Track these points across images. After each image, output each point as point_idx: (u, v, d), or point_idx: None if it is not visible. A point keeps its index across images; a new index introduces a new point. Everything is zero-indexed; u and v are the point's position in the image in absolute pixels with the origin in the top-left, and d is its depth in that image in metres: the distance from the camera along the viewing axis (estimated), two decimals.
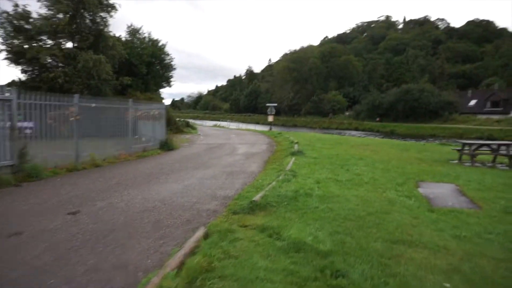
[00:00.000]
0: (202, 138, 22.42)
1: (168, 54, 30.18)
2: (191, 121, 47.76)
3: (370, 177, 8.30)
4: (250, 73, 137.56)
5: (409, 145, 18.24)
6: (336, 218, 4.85)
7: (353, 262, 3.44)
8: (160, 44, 29.80)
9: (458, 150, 12.17)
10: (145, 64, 27.67)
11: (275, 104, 35.38)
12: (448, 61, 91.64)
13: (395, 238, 4.15)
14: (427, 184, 7.89)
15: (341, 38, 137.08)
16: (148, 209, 5.54)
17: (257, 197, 5.73)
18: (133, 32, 29.52)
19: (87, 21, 22.74)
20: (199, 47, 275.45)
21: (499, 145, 11.75)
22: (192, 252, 3.62)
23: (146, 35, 29.81)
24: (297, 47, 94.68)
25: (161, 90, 32.61)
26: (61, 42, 22.22)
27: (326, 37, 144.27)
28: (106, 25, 23.43)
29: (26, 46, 20.79)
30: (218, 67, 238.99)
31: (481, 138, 41.55)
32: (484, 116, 53.82)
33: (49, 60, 21.54)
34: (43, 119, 9.13)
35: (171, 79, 31.01)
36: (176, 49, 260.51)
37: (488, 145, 11.94)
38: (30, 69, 21.72)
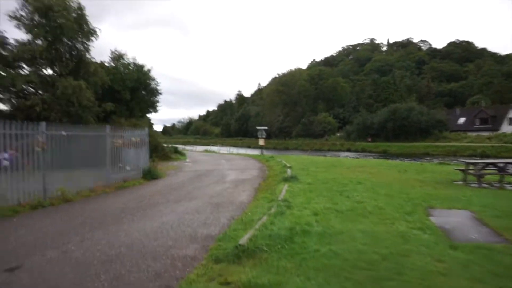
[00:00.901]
0: (190, 164, 21.38)
1: (153, 79, 29.41)
2: (180, 147, 46.78)
3: (374, 205, 7.35)
4: (240, 97, 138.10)
5: (406, 165, 17.46)
6: (344, 266, 3.86)
7: None
8: (145, 68, 29.07)
9: (462, 170, 11.35)
10: (128, 89, 26.80)
11: (266, 127, 34.64)
12: (433, 80, 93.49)
13: None
14: (438, 212, 6.95)
15: (328, 61, 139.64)
16: (110, 259, 4.47)
17: (244, 239, 4.71)
18: (117, 57, 28.82)
19: (67, 47, 21.99)
20: (189, 72, 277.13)
21: (506, 163, 10.97)
22: None
23: (130, 60, 29.15)
24: (286, 71, 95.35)
25: (151, 116, 31.74)
26: (39, 69, 21.32)
27: (314, 60, 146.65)
28: (87, 50, 22.67)
29: (1, 73, 19.82)
30: (208, 92, 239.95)
31: (474, 156, 41.30)
32: (474, 134, 53.91)
33: (26, 88, 20.58)
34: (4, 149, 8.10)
35: (157, 104, 30.15)
36: (166, 75, 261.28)
37: (494, 164, 11.15)
38: (6, 97, 20.67)
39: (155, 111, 30.68)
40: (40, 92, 21.11)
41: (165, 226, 6.03)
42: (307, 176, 12.67)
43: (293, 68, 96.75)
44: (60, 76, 21.39)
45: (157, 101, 30.22)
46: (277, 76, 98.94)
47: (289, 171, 14.04)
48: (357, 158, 30.62)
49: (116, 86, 26.16)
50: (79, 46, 22.29)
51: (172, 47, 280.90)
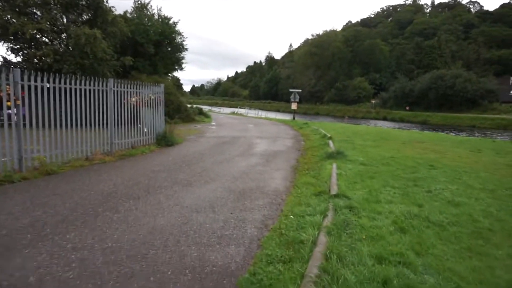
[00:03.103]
0: (214, 128, 19.11)
1: (179, 33, 26.73)
2: (206, 108, 44.65)
3: (483, 212, 4.75)
4: (270, 59, 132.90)
5: (474, 142, 14.33)
6: None
7: None
8: (171, 21, 26.37)
9: None
10: (152, 43, 24.36)
11: (299, 90, 31.50)
12: (481, 46, 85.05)
13: None
14: None
15: (365, 23, 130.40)
16: None
17: None
18: (140, 7, 26.21)
19: None
20: (220, 33, 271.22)
21: None
22: None
23: (155, 11, 26.50)
24: (320, 32, 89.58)
25: (178, 75, 29.45)
26: (52, 16, 19.12)
27: (349, 22, 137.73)
28: None
29: (11, 20, 17.80)
30: (238, 53, 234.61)
31: None
32: None
33: (38, 37, 18.55)
34: None
35: (183, 61, 27.65)
36: (197, 36, 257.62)
37: None
38: (17, 47, 18.81)
39: (181, 68, 28.28)
40: (53, 41, 19.15)
41: (151, 241, 3.64)
42: (356, 152, 10.06)
43: (327, 29, 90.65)
44: (74, 24, 19.22)
45: (183, 58, 27.73)
46: (310, 37, 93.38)
47: (331, 144, 11.46)
48: (400, 129, 27.35)
49: (138, 38, 23.80)
50: None
51: (202, 7, 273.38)
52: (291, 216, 4.46)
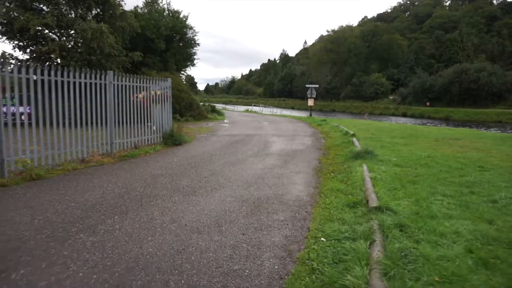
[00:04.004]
0: (227, 126, 18.08)
1: (191, 28, 25.79)
2: (220, 106, 43.72)
3: None
4: (284, 56, 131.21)
5: (510, 138, 12.82)
6: None
7: None
8: (181, 16, 25.47)
9: None
10: (163, 38, 23.49)
11: (316, 86, 30.14)
12: (506, 39, 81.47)
13: None
14: None
15: (382, 18, 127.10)
16: None
17: None
18: (151, 2, 25.39)
19: None
20: (233, 31, 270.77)
21: None
22: None
23: (165, 5, 25.63)
24: (335, 27, 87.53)
25: (192, 73, 28.61)
26: (59, 10, 18.42)
27: (365, 17, 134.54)
28: None
29: (16, 15, 17.15)
30: (252, 51, 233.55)
31: None
32: None
33: (44, 33, 17.87)
34: None
35: (195, 57, 26.72)
36: (210, 34, 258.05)
37: None
38: (23, 43, 18.20)
39: (192, 64, 27.40)
40: (60, 37, 18.47)
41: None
42: (387, 151, 8.82)
43: (343, 25, 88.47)
44: (81, 19, 18.47)
45: (194, 53, 26.80)
46: (326, 33, 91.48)
47: (356, 142, 10.24)
48: (425, 125, 25.77)
49: (149, 34, 22.95)
50: None
51: (215, 4, 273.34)
52: (322, 239, 3.34)
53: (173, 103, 21.29)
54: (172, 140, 10.65)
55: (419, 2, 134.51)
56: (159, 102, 10.67)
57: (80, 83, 7.63)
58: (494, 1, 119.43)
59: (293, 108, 66.91)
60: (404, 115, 53.26)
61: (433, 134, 13.44)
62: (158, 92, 10.84)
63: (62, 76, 7.20)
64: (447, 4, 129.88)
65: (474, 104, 50.31)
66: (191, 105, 22.73)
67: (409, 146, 9.95)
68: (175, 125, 12.01)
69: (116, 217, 3.95)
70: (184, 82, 29.72)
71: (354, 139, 10.72)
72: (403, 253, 2.82)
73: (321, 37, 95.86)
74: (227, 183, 5.73)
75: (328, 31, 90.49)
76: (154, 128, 10.73)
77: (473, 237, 3.28)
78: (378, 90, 67.65)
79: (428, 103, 55.56)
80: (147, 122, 10.18)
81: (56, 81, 7.03)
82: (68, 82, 7.32)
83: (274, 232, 3.63)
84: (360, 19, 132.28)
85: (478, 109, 47.44)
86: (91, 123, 7.98)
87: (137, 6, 24.86)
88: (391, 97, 66.58)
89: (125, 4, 20.99)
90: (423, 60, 73.90)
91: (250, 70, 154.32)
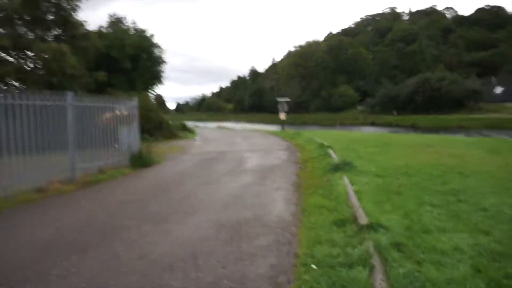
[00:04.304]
0: (199, 144, 17.55)
1: (157, 46, 25.25)
2: (191, 123, 42.98)
3: None
4: (253, 72, 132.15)
5: (485, 142, 13.08)
6: None
7: None
8: (147, 34, 24.93)
9: None
10: (129, 57, 22.76)
11: (288, 99, 30.21)
12: (462, 49, 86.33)
13: None
14: None
15: (346, 33, 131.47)
16: None
17: None
18: (116, 22, 24.72)
19: (49, 4, 18.08)
20: (202, 49, 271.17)
21: None
22: None
23: (130, 25, 25.03)
24: (303, 43, 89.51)
25: (162, 92, 27.90)
26: (16, 31, 17.51)
27: (331, 32, 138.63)
28: (74, 9, 18.70)
29: None
30: (221, 68, 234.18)
31: None
32: None
33: (1, 54, 16.88)
34: None
35: (162, 74, 26.10)
36: (179, 53, 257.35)
37: None
38: None
39: (160, 82, 26.69)
40: (19, 60, 17.50)
41: None
42: (365, 162, 8.63)
43: (310, 40, 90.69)
44: (40, 40, 17.62)
45: (162, 71, 26.13)
46: (293, 48, 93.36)
47: (332, 153, 10.03)
48: (396, 133, 26.18)
49: (114, 53, 22.13)
50: (64, 4, 18.42)
51: (183, 23, 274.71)
52: (313, 267, 2.94)
53: (142, 123, 20.72)
54: (141, 162, 10.02)
55: (380, 17, 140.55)
56: (125, 123, 10.07)
57: (34, 105, 6.98)
58: (448, 15, 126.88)
59: (264, 122, 67.00)
60: (373, 124, 54.46)
61: (405, 142, 13.52)
62: (125, 112, 10.26)
63: (13, 99, 6.54)
64: (406, 18, 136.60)
65: (437, 111, 52.27)
66: (161, 124, 22.02)
67: (385, 155, 9.84)
68: (144, 145, 11.39)
69: (74, 257, 3.38)
70: (154, 101, 29.00)
71: (330, 151, 10.51)
72: (408, 279, 2.47)
73: (289, 53, 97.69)
74: (201, 206, 5.26)
75: (295, 47, 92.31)
76: (122, 149, 10.11)
77: (476, 253, 3.00)
78: (347, 102, 69.18)
79: (394, 112, 57.25)
80: (114, 144, 9.56)
81: (6, 105, 6.36)
82: (21, 105, 6.66)
83: (258, 262, 3.20)
84: (326, 35, 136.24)
85: (441, 116, 49.34)
86: (50, 148, 7.30)
87: (102, 26, 24.09)
88: (359, 108, 68.26)
89: (88, 24, 20.31)
90: (388, 71, 76.57)
91: (220, 87, 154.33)
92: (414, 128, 45.48)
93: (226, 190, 6.37)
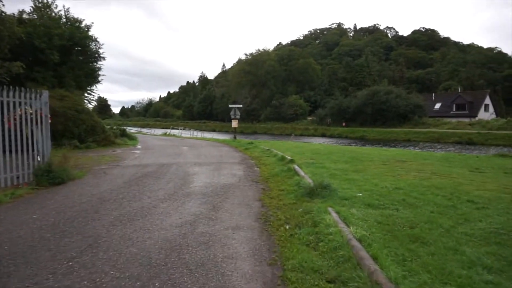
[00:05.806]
0: (138, 153, 14.93)
1: (94, 39, 22.07)
2: (135, 129, 39.49)
3: None
4: (203, 79, 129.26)
5: (459, 159, 12.03)
6: None
7: None
8: (82, 24, 21.74)
9: None
10: (57, 49, 19.45)
11: (241, 106, 28.32)
12: (403, 66, 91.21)
13: None
14: None
15: (295, 44, 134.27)
16: None
17: None
18: (42, 7, 21.24)
19: None
20: (152, 53, 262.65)
21: None
22: None
23: (62, 12, 21.68)
24: (253, 51, 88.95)
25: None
26: None
27: (280, 43, 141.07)
28: None
29: None
30: (171, 73, 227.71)
31: (460, 143, 37.82)
32: (452, 120, 51.00)
33: None
34: None
35: (99, 73, 22.92)
36: (130, 56, 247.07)
37: None
38: None
39: (96, 82, 23.43)
40: None
41: None
42: (342, 182, 6.87)
43: (261, 48, 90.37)
44: None
45: (99, 69, 22.93)
46: (244, 56, 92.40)
47: (300, 171, 8.19)
48: (353, 145, 25.45)
49: (37, 43, 18.69)
50: None
51: (136, 27, 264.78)
52: None
53: (69, 126, 17.56)
54: (49, 177, 7.43)
55: (327, 32, 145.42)
56: (28, 125, 7.44)
57: None
58: (389, 34, 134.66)
59: (214, 130, 64.60)
60: (323, 135, 54.45)
61: (373, 156, 12.14)
62: (30, 110, 7.63)
63: None
64: (352, 34, 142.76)
65: (384, 124, 53.61)
66: (94, 128, 18.97)
67: (360, 173, 8.21)
68: (59, 154, 8.77)
69: None
70: (92, 104, 25.56)
71: (295, 166, 8.69)
72: None
73: (240, 60, 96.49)
74: (110, 271, 3.05)
75: (246, 54, 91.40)
76: (39, 159, 7.50)
77: None
78: (297, 112, 69.09)
79: (344, 124, 57.90)
80: (6, 152, 6.93)
81: None
82: None
83: None
84: (276, 45, 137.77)
85: (388, 128, 50.57)
86: None
87: (23, 10, 20.50)
88: (309, 118, 68.49)
89: (3, 5, 16.86)
90: (337, 83, 78.15)
91: (169, 92, 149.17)
92: (363, 140, 45.96)
93: (159, 231, 4.19)
